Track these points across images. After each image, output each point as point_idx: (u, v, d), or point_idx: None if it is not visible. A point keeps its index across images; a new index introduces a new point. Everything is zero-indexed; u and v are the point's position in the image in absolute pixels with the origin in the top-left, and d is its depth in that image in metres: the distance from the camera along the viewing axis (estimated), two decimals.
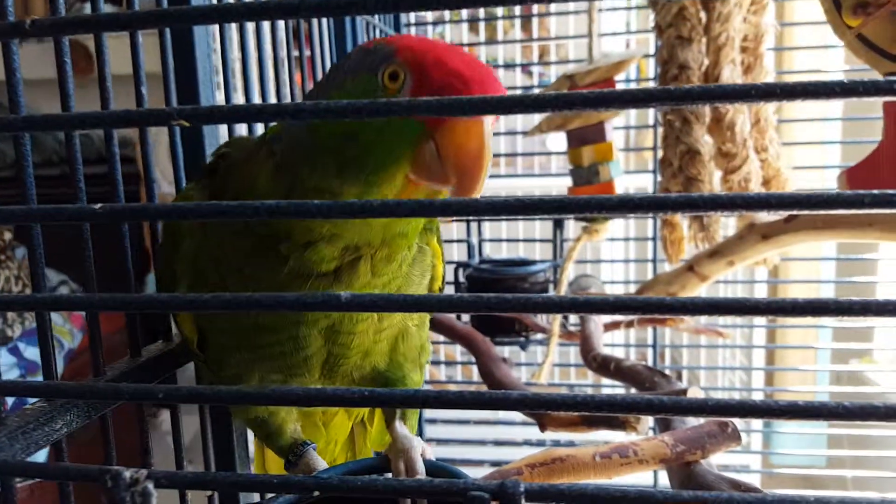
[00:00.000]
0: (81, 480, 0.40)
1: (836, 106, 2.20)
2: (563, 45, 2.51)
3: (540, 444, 2.02)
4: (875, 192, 0.34)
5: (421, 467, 0.59)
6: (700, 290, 1.12)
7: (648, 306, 0.36)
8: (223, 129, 0.79)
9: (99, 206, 0.37)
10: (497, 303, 0.36)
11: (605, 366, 1.11)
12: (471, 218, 2.02)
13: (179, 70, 0.69)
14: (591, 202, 0.34)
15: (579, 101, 0.34)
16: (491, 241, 2.06)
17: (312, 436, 0.75)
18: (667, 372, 2.27)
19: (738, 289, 2.22)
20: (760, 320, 2.25)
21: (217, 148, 0.64)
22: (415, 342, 0.69)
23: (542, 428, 0.97)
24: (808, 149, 2.14)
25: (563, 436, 1.84)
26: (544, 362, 1.32)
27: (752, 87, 0.33)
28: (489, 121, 0.49)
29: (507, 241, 2.26)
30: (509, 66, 2.20)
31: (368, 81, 0.50)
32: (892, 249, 1.83)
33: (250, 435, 0.84)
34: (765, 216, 1.06)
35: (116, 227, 0.59)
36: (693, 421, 0.83)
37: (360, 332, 0.61)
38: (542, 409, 0.37)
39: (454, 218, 0.39)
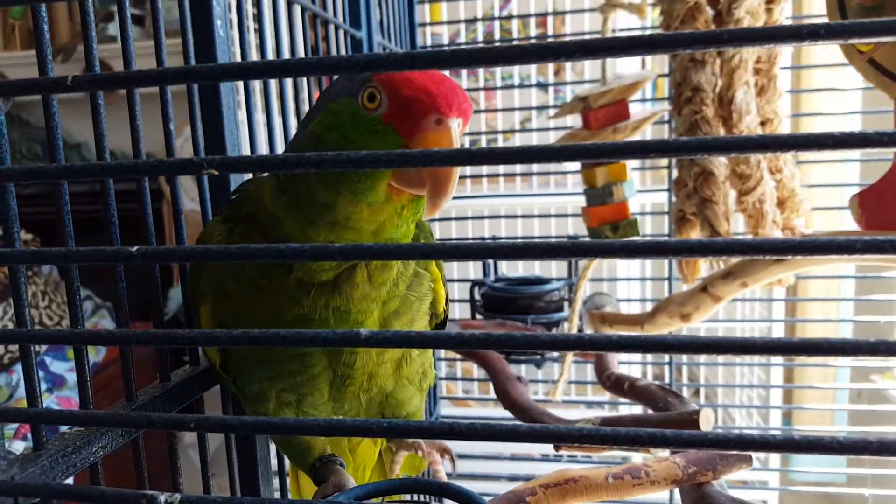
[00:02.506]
0: (119, 503, 0.43)
1: (854, 122, 2.20)
2: (579, 63, 2.53)
3: (557, 459, 2.03)
4: (867, 238, 0.36)
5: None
6: (713, 311, 1.13)
7: (651, 345, 0.38)
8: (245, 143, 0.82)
9: (135, 248, 0.40)
10: (506, 340, 0.38)
11: (618, 385, 1.12)
12: (486, 237, 2.04)
13: (204, 103, 0.73)
14: (594, 247, 0.36)
15: (586, 153, 0.37)
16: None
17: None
18: (683, 390, 2.25)
19: (756, 307, 2.22)
20: (779, 334, 2.25)
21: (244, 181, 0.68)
22: (416, 367, 0.72)
23: (557, 448, 0.99)
24: (827, 167, 2.13)
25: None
26: (559, 380, 1.33)
27: (766, 138, 0.35)
28: (457, 129, 0.53)
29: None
30: (524, 84, 2.23)
31: (350, 104, 0.55)
32: None
33: (273, 451, 0.87)
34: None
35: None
36: None
37: (362, 352, 0.65)
38: (549, 441, 0.39)
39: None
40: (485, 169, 1.96)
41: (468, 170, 2.23)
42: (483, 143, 2.54)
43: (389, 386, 0.70)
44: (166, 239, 2.80)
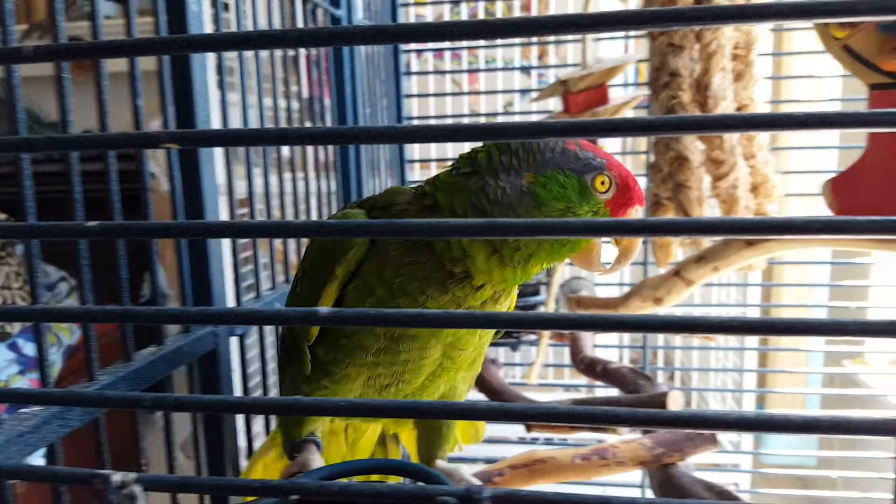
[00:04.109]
0: (72, 483, 0.42)
1: (833, 109, 2.21)
2: (563, 46, 2.52)
3: (534, 441, 2.04)
4: (824, 218, 0.36)
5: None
6: (686, 295, 1.13)
7: (629, 325, 0.38)
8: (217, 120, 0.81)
9: (94, 223, 0.39)
10: (491, 319, 0.38)
11: (592, 368, 1.13)
12: None
13: (176, 73, 0.71)
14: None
15: (574, 130, 0.36)
16: None
17: (335, 452, 0.82)
18: (658, 374, 2.27)
19: (732, 291, 2.24)
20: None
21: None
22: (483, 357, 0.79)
23: (528, 428, 1.00)
24: (804, 153, 2.15)
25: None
26: (534, 363, 1.34)
27: (738, 118, 0.35)
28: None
29: None
30: (508, 67, 2.22)
31: (580, 183, 0.63)
32: (885, 254, 1.85)
33: (242, 436, 0.86)
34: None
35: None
36: None
37: (470, 341, 0.70)
38: (514, 420, 0.39)
39: None
40: (451, 153, 1.96)
41: (434, 154, 2.23)
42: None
43: (464, 374, 0.75)
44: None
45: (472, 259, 0.62)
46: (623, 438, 0.82)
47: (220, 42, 0.38)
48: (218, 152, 0.81)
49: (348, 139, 0.37)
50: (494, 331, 0.75)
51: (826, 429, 0.38)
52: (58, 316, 0.43)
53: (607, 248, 0.69)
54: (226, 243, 0.80)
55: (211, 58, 0.80)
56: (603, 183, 0.64)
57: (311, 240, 0.74)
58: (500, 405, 0.39)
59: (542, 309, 1.51)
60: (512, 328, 0.40)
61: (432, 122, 2.43)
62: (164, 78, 0.67)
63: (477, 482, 0.70)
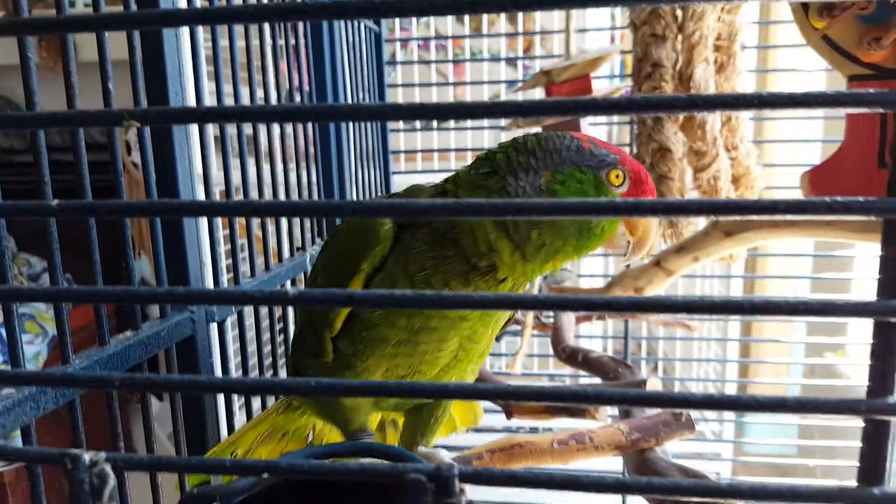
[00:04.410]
0: (42, 463, 0.42)
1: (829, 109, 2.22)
2: (549, 38, 2.52)
3: (518, 431, 2.05)
4: (788, 199, 0.36)
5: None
6: (666, 285, 1.14)
7: (613, 305, 0.38)
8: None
9: (56, 202, 0.39)
10: (479, 300, 0.38)
11: (573, 357, 1.14)
12: None
13: (148, 62, 0.71)
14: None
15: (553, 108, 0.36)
16: None
17: (337, 436, 0.83)
18: (642, 364, 2.29)
19: (715, 283, 2.26)
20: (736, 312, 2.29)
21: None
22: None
23: (509, 416, 1.00)
24: (788, 146, 2.17)
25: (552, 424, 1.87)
26: (518, 353, 1.35)
27: (711, 98, 0.35)
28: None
29: None
30: (494, 59, 2.22)
31: (596, 177, 0.67)
32: (867, 247, 1.87)
33: (223, 420, 0.86)
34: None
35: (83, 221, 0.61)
36: (653, 411, 0.86)
37: (484, 329, 0.72)
38: (495, 397, 0.39)
39: None
40: (435, 144, 1.96)
41: (419, 145, 2.23)
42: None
43: (472, 366, 0.77)
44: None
45: (497, 253, 0.65)
46: (601, 424, 0.83)
47: (192, 16, 0.38)
48: (195, 142, 0.81)
49: (312, 116, 0.37)
50: (503, 324, 0.78)
51: (792, 408, 0.38)
52: (25, 296, 0.43)
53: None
54: (203, 231, 0.80)
55: (186, 45, 0.79)
56: (618, 177, 0.67)
57: (332, 235, 0.77)
58: (479, 385, 0.40)
59: None
60: (531, 309, 0.40)
61: None
62: (134, 62, 0.67)
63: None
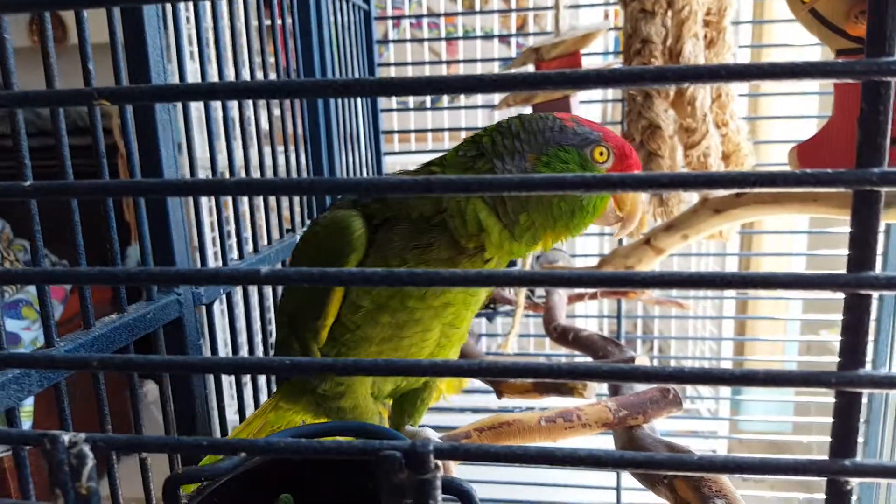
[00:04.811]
0: (23, 443, 0.42)
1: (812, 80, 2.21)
2: (543, 15, 2.50)
3: (514, 411, 2.06)
4: (760, 171, 0.36)
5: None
6: (657, 263, 1.14)
7: (606, 280, 0.38)
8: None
9: (29, 183, 0.39)
10: (473, 277, 0.38)
11: (564, 336, 1.14)
12: None
13: (129, 42, 0.70)
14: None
15: (545, 81, 0.36)
16: None
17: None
18: (637, 343, 2.28)
19: (710, 262, 2.26)
20: (730, 291, 2.30)
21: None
22: None
23: (500, 395, 1.01)
24: (786, 123, 2.16)
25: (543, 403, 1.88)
26: (510, 333, 1.35)
27: (703, 69, 0.34)
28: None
29: None
30: (488, 36, 2.20)
31: (580, 155, 0.68)
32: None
33: (213, 404, 0.87)
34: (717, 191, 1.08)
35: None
36: (641, 389, 0.86)
37: (466, 312, 0.73)
38: (486, 375, 0.39)
39: None
40: (430, 124, 1.95)
41: (412, 125, 2.22)
42: (445, 97, 2.51)
43: (454, 350, 0.80)
44: (123, 201, 2.74)
45: (487, 233, 0.66)
46: (588, 401, 0.83)
47: None
48: (180, 124, 0.80)
49: (288, 93, 0.37)
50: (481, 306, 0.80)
51: (762, 381, 0.39)
52: (7, 278, 0.43)
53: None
54: (191, 212, 0.80)
55: (171, 26, 0.79)
56: (602, 154, 0.68)
57: (300, 248, 0.77)
58: (469, 362, 0.40)
59: None
60: (525, 286, 0.40)
61: None
62: (115, 42, 0.66)
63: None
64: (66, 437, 0.41)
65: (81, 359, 0.42)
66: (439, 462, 0.40)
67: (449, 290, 0.69)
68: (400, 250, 0.67)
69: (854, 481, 0.39)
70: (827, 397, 2.08)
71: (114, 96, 0.38)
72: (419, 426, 0.83)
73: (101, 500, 0.43)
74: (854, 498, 1.72)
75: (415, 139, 2.20)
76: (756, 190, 0.36)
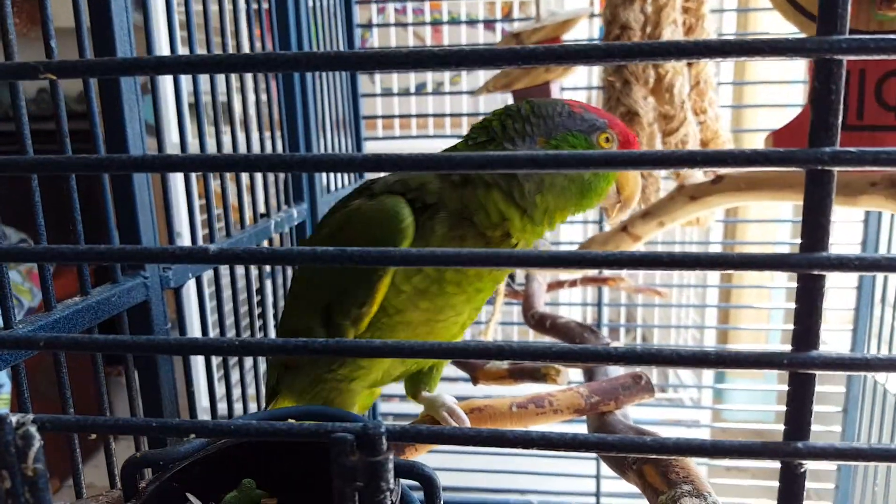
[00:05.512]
0: None
1: (798, 67, 2.22)
2: (528, 2, 2.48)
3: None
4: (707, 150, 0.36)
5: (461, 413, 0.78)
6: (633, 250, 1.14)
7: (583, 261, 0.38)
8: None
9: None
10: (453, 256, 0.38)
11: (542, 323, 1.14)
12: None
13: (95, 27, 0.69)
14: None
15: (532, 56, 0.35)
16: None
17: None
18: (620, 331, 2.30)
19: (694, 249, 2.27)
20: (714, 280, 2.31)
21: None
22: None
23: (475, 382, 1.01)
24: (770, 112, 2.16)
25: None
26: (490, 321, 1.35)
27: (678, 44, 0.34)
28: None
29: None
30: (473, 22, 2.19)
31: (587, 141, 0.71)
32: (844, 212, 1.88)
33: (181, 388, 0.86)
34: (694, 179, 1.08)
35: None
36: (614, 375, 0.86)
37: (486, 292, 0.76)
38: (460, 356, 0.38)
39: None
40: (414, 110, 1.94)
41: (396, 110, 2.20)
42: (429, 83, 2.50)
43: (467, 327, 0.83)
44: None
45: (509, 221, 0.69)
46: (560, 388, 0.83)
47: None
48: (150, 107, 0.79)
49: (261, 66, 0.36)
50: None
51: (714, 363, 0.39)
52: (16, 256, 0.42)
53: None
54: (157, 193, 0.79)
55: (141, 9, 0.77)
56: (608, 140, 0.72)
57: (334, 234, 0.76)
58: (454, 343, 0.40)
59: None
60: (545, 267, 0.40)
61: (394, 77, 2.39)
62: (80, 22, 0.65)
63: (455, 404, 0.79)
64: (13, 419, 0.41)
65: (27, 338, 0.42)
66: (417, 447, 0.40)
67: (483, 276, 0.73)
68: (441, 240, 0.71)
69: (808, 464, 0.39)
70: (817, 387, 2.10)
71: (59, 70, 0.37)
72: (435, 393, 0.86)
73: (48, 482, 0.42)
74: (832, 486, 1.73)
75: (399, 125, 2.18)
76: (705, 168, 0.35)
